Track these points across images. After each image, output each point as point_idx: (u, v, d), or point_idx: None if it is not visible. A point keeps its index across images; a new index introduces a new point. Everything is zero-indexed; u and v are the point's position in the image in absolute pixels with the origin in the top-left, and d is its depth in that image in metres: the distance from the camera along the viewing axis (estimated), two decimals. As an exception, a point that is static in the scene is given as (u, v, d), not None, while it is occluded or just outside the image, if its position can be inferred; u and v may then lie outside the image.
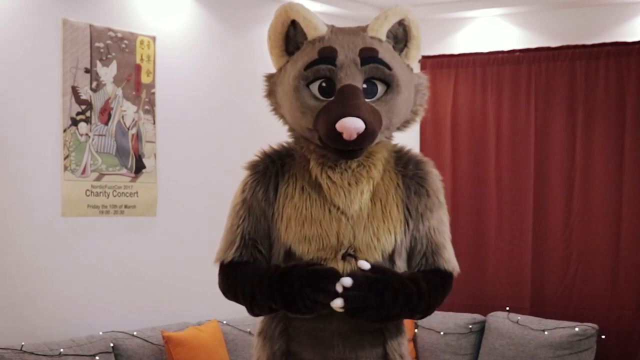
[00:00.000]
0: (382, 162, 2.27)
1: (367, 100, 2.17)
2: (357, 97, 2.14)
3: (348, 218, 2.21)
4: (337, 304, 2.05)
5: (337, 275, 2.10)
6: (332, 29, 2.27)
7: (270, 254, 2.31)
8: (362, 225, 2.21)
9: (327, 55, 2.18)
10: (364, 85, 2.18)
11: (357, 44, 2.20)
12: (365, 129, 2.10)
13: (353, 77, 2.17)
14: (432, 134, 5.66)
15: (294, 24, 2.27)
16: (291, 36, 2.29)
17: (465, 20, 5.74)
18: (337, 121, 2.10)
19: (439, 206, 2.31)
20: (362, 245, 2.20)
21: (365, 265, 2.10)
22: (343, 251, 2.19)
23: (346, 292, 2.06)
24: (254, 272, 2.24)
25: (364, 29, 2.26)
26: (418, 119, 2.38)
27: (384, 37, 2.25)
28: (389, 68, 2.20)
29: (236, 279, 2.28)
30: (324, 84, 2.19)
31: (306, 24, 2.24)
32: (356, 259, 2.18)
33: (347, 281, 2.06)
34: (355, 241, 2.20)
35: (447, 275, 2.32)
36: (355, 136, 2.10)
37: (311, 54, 2.21)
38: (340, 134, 2.10)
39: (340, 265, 2.18)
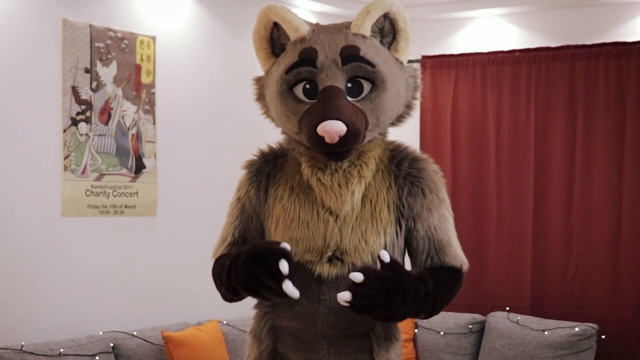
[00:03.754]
0: (375, 160, 2.23)
1: (351, 99, 2.13)
2: (338, 99, 2.09)
3: (335, 220, 2.18)
4: (345, 297, 1.98)
5: (279, 254, 2.00)
6: (315, 28, 2.22)
7: None
8: (350, 227, 2.18)
9: (307, 57, 2.15)
10: (349, 85, 2.14)
11: (338, 43, 2.16)
12: (347, 130, 2.06)
13: (334, 77, 2.12)
14: (432, 134, 5.66)
15: (277, 25, 2.23)
16: (275, 38, 2.26)
17: (465, 20, 5.74)
18: (318, 125, 2.06)
19: (438, 204, 2.26)
20: (349, 248, 2.16)
21: (385, 256, 2.03)
22: (329, 254, 2.17)
23: (355, 287, 1.99)
24: (228, 256, 2.23)
25: (347, 26, 2.21)
26: (412, 113, 2.33)
27: (368, 33, 2.19)
28: (372, 65, 2.14)
29: (216, 266, 2.30)
30: (307, 86, 2.15)
31: (287, 25, 2.21)
32: (342, 262, 2.16)
33: (358, 276, 1.98)
34: (342, 243, 2.17)
35: (455, 271, 2.27)
36: (337, 139, 2.06)
37: (292, 56, 2.18)
38: (322, 138, 2.06)
39: (326, 268, 2.16)
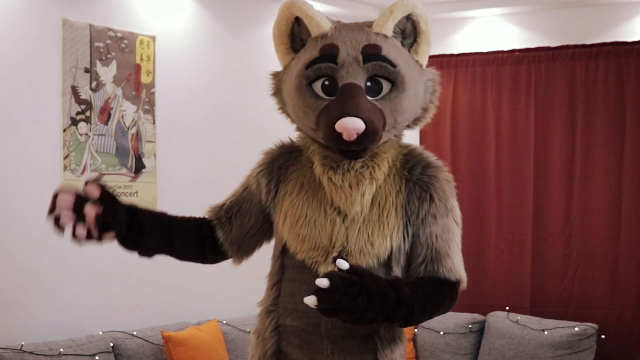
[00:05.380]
0: (388, 163, 2.22)
1: (371, 98, 2.12)
2: (357, 97, 2.08)
3: (344, 220, 2.17)
4: (311, 301, 1.97)
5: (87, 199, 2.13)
6: (337, 26, 2.22)
7: (242, 231, 2.37)
8: (357, 229, 2.16)
9: (329, 54, 2.13)
10: (369, 84, 2.13)
11: (360, 41, 2.15)
12: (366, 129, 2.04)
13: (355, 75, 2.11)
14: (432, 134, 5.66)
15: (298, 21, 2.23)
16: (296, 33, 2.25)
17: (465, 20, 5.74)
18: (336, 122, 2.05)
19: (445, 213, 2.24)
20: (354, 250, 2.15)
21: (343, 265, 1.99)
22: (335, 254, 2.15)
23: (321, 293, 1.95)
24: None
25: (369, 25, 2.21)
26: (429, 117, 2.31)
27: (390, 33, 2.19)
28: (394, 65, 2.13)
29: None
30: (327, 83, 2.14)
31: (309, 21, 2.20)
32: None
33: (324, 282, 1.95)
34: (348, 245, 2.16)
35: (447, 284, 2.20)
36: (355, 137, 2.04)
37: (313, 52, 2.17)
38: (340, 135, 2.05)
39: (331, 269, 2.13)
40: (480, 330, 5.16)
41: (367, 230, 2.16)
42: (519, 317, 5.07)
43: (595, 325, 4.91)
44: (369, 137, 2.08)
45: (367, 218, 2.17)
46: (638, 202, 5.05)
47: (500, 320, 5.10)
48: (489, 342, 5.05)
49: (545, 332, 4.89)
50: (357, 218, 2.17)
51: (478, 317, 5.21)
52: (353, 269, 2.00)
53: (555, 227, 5.29)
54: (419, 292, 2.11)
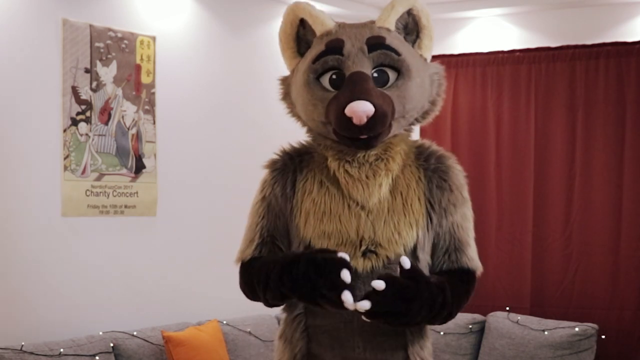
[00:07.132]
0: (401, 155, 2.24)
1: (378, 88, 2.15)
2: (365, 83, 2.12)
3: (367, 213, 2.18)
4: (365, 306, 1.98)
5: (341, 264, 2.00)
6: (340, 24, 2.28)
7: (289, 250, 2.29)
8: (383, 220, 2.18)
9: (334, 46, 2.19)
10: (375, 74, 2.17)
11: (364, 34, 2.21)
12: (375, 111, 2.07)
13: (361, 64, 2.15)
14: (432, 134, 5.64)
15: (303, 23, 2.28)
16: (301, 36, 2.30)
17: (465, 20, 5.74)
18: (345, 106, 2.08)
19: (462, 202, 2.27)
20: (383, 241, 2.16)
21: (406, 263, 2.04)
22: (364, 247, 2.16)
23: (375, 295, 1.99)
24: (271, 259, 2.21)
25: (372, 22, 2.27)
26: (437, 110, 2.34)
27: (392, 27, 2.24)
28: (398, 53, 2.18)
29: (253, 270, 2.25)
30: (334, 76, 2.18)
31: (313, 20, 2.26)
32: (377, 255, 2.15)
33: (380, 284, 1.99)
34: (375, 236, 2.17)
35: (470, 274, 2.28)
36: (365, 119, 2.07)
37: (319, 48, 2.22)
38: (350, 119, 2.07)
39: (360, 263, 2.15)
40: (480, 330, 5.16)
41: (393, 220, 2.18)
42: (519, 317, 5.07)
43: (595, 325, 4.92)
44: (378, 121, 2.10)
45: (391, 208, 2.19)
46: (638, 202, 5.05)
47: (500, 320, 5.10)
48: (489, 342, 5.05)
49: (545, 332, 4.89)
50: (382, 209, 2.19)
51: (478, 317, 5.21)
52: (412, 270, 2.04)
53: (555, 227, 5.29)
54: (455, 292, 2.19)
